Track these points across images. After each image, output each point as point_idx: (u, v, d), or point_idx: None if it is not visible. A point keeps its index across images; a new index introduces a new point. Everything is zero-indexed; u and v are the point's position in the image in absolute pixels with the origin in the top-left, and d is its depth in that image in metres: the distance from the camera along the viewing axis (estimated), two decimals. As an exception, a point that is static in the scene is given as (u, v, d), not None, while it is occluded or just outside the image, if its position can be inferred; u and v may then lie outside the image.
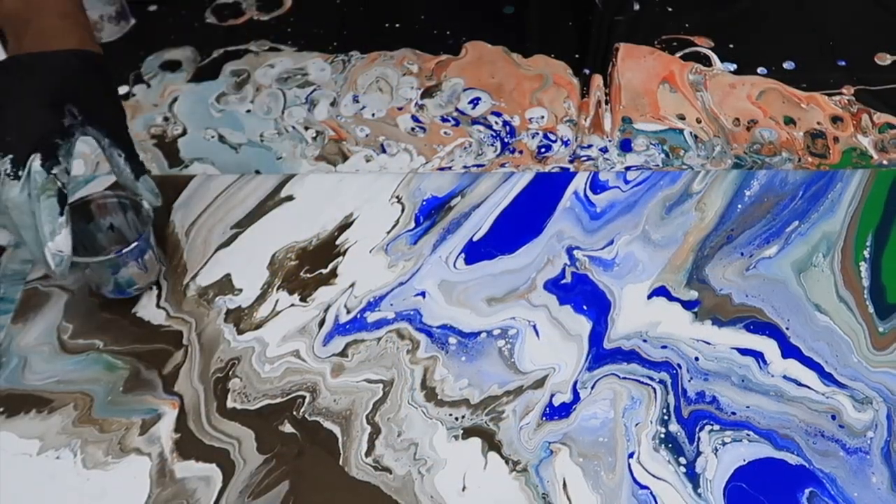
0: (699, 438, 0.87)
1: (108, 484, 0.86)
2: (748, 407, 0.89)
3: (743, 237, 1.02)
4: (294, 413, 0.90)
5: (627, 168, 1.09)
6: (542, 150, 1.12)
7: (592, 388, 0.91)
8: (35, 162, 0.83)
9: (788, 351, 0.93)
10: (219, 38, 1.29)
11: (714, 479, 0.85)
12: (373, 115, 1.17)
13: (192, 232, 1.04)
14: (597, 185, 1.07)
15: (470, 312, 0.97)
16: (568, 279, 0.99)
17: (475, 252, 1.02)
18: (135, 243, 0.93)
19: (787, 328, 0.95)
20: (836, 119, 1.14)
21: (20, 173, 0.82)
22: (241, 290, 0.99)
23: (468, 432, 0.89)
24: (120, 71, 1.25)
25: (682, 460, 0.86)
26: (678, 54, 1.23)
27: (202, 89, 1.23)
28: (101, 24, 1.27)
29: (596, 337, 0.95)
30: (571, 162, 1.10)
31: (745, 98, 1.17)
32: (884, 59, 1.21)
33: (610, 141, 1.13)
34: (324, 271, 1.01)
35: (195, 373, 0.93)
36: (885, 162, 1.09)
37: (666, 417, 0.89)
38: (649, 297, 0.98)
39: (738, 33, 1.25)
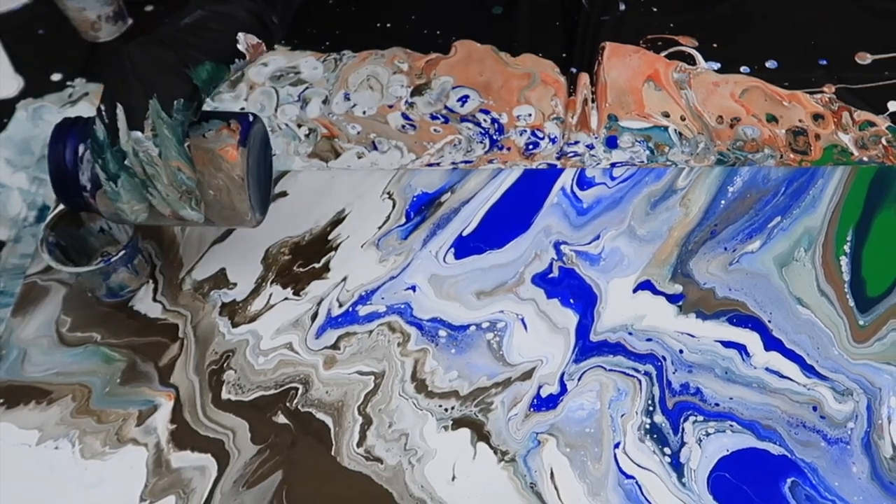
0: (683, 429, 0.89)
1: (105, 473, 0.87)
2: (731, 398, 0.91)
3: (726, 232, 1.03)
4: (287, 404, 0.91)
5: (613, 164, 1.10)
6: (530, 146, 1.13)
7: (579, 379, 0.92)
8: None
9: (771, 343, 0.94)
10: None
11: (698, 469, 0.86)
12: (364, 112, 1.18)
13: (187, 227, 1.06)
14: (583, 182, 1.08)
15: (459, 306, 0.98)
16: (555, 273, 1.00)
17: (464, 247, 1.03)
18: (123, 251, 0.94)
19: (769, 321, 0.96)
20: (817, 117, 1.15)
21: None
22: (235, 285, 1.01)
23: (457, 423, 0.90)
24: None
25: (667, 450, 0.88)
26: (663, 53, 1.23)
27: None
28: (99, 25, 1.27)
29: (582, 330, 0.96)
30: (558, 158, 1.11)
31: (729, 96, 1.18)
32: (864, 59, 1.22)
33: (596, 138, 1.13)
34: (316, 266, 1.02)
35: (190, 365, 0.94)
36: (865, 159, 1.10)
37: (651, 408, 0.90)
38: (635, 290, 0.99)
39: (721, 33, 1.25)
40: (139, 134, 0.77)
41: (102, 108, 0.79)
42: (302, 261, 1.02)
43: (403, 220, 1.05)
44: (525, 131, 1.15)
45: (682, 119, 1.15)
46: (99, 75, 1.24)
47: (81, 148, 0.83)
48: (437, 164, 1.11)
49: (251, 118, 0.86)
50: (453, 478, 0.87)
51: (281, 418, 0.91)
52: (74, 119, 0.86)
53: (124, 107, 0.77)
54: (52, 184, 0.85)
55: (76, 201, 0.85)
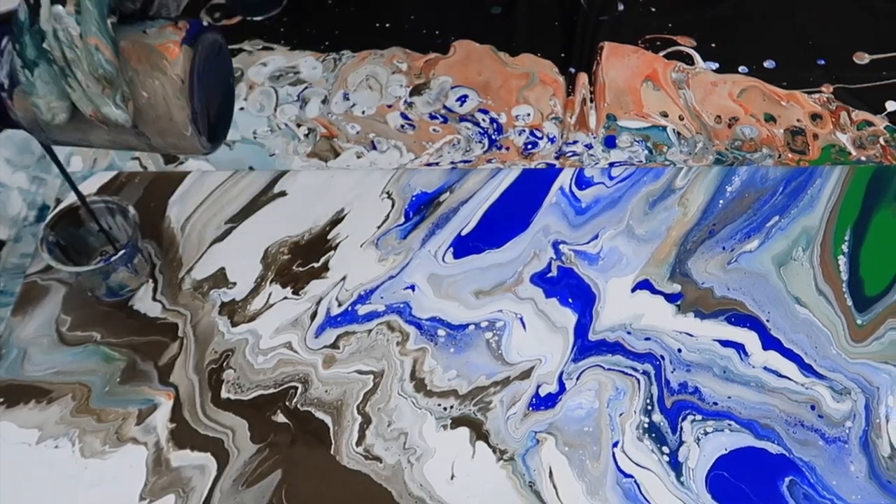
0: (682, 428, 0.89)
1: (105, 472, 0.88)
2: (729, 397, 0.91)
3: (724, 232, 1.03)
4: (286, 403, 0.92)
5: (612, 164, 1.11)
6: (529, 146, 1.13)
7: (578, 378, 0.93)
8: None
9: (769, 343, 0.95)
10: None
11: (696, 468, 0.87)
12: (363, 112, 1.18)
13: (187, 227, 1.06)
14: (582, 181, 1.08)
15: (458, 305, 0.98)
16: (554, 273, 1.01)
17: (463, 246, 1.03)
18: (123, 251, 0.94)
19: (767, 320, 0.96)
20: (815, 116, 1.15)
21: None
22: (234, 284, 1.01)
23: (456, 422, 0.90)
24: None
25: (665, 449, 0.88)
26: (661, 53, 1.24)
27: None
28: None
29: (581, 329, 0.96)
30: (557, 158, 1.12)
31: (727, 96, 1.18)
32: (862, 59, 1.22)
33: (595, 138, 1.14)
34: (316, 265, 1.02)
35: (190, 364, 0.94)
36: (862, 158, 1.10)
37: (649, 407, 0.90)
38: (633, 290, 0.99)
39: (720, 33, 1.26)
40: (60, 9, 0.68)
41: None
42: (301, 260, 1.03)
43: (402, 219, 1.06)
44: (524, 131, 1.15)
45: (681, 119, 1.15)
46: None
47: (4, 41, 0.72)
48: (436, 164, 1.11)
49: (206, 24, 0.76)
50: (452, 476, 0.87)
51: (280, 417, 0.91)
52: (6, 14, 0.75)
53: None
54: None
55: None
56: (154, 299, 1.00)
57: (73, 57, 0.69)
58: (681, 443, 0.88)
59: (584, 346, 0.95)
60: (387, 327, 0.97)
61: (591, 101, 1.18)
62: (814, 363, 0.93)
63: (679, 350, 0.94)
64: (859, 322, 0.96)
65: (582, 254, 1.02)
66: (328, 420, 0.90)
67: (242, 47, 1.26)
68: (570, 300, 0.98)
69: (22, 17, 0.69)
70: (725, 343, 0.95)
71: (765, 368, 0.93)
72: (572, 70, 1.22)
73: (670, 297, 0.98)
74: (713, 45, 1.25)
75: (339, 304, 0.99)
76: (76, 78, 0.70)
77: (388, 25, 1.29)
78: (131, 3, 0.74)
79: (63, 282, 1.01)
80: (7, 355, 0.95)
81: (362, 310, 0.98)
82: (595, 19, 1.29)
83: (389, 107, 1.19)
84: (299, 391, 0.92)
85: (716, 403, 0.90)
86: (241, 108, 1.18)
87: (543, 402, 0.91)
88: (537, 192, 1.08)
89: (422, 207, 1.07)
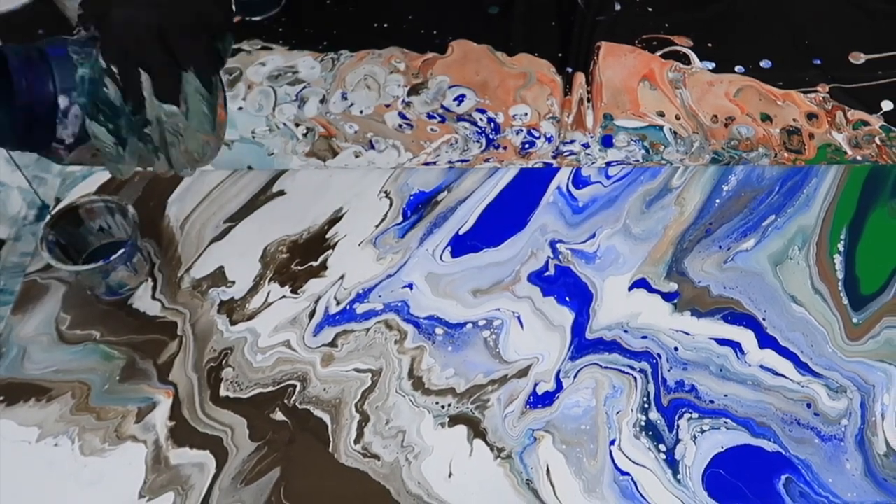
0: (678, 426, 0.89)
1: (104, 470, 0.88)
2: (726, 395, 0.91)
3: (721, 231, 1.03)
4: (285, 401, 0.92)
5: (609, 163, 1.11)
6: (526, 146, 1.13)
7: (575, 377, 0.93)
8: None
9: (765, 341, 0.95)
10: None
11: (693, 466, 0.87)
12: (361, 112, 1.18)
13: (186, 226, 1.06)
14: (579, 181, 1.09)
15: (456, 304, 0.99)
16: (551, 272, 1.01)
17: (461, 245, 1.03)
18: (122, 250, 0.94)
19: (763, 319, 0.96)
20: (811, 116, 1.15)
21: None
22: (233, 283, 1.01)
23: (454, 420, 0.91)
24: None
25: (662, 447, 0.88)
26: (658, 53, 1.24)
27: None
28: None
29: (578, 328, 0.97)
30: (554, 157, 1.12)
31: (723, 95, 1.18)
32: (857, 58, 1.23)
33: (592, 137, 1.14)
34: (314, 264, 1.02)
35: (189, 362, 0.95)
36: (858, 157, 1.11)
37: (646, 406, 0.91)
38: (630, 288, 0.99)
39: (716, 33, 1.26)
40: (175, 108, 0.76)
41: (115, 69, 0.73)
42: (300, 259, 1.03)
43: (400, 218, 1.06)
44: (521, 130, 1.15)
45: (677, 118, 1.15)
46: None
47: (63, 100, 0.74)
48: (434, 163, 1.11)
49: None
50: (450, 474, 0.87)
51: (279, 415, 0.91)
52: (40, 54, 0.74)
53: (150, 75, 0.74)
54: (14, 126, 0.74)
55: (35, 148, 0.77)
56: (153, 298, 1.00)
57: (172, 140, 0.78)
58: (677, 441, 0.89)
59: (582, 345, 0.95)
60: (385, 326, 0.97)
61: (588, 100, 1.18)
62: (810, 361, 0.93)
63: (676, 348, 0.94)
64: (855, 321, 0.96)
65: (579, 252, 1.02)
66: (326, 418, 0.91)
67: (241, 47, 1.26)
68: (567, 299, 0.99)
69: (116, 102, 0.75)
70: (722, 341, 0.95)
71: (761, 367, 0.93)
72: (569, 70, 1.22)
73: (667, 296, 0.99)
74: (709, 44, 1.25)
75: (338, 303, 0.99)
76: (168, 153, 0.79)
77: (386, 25, 1.29)
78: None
79: (63, 280, 1.01)
80: (7, 353, 0.96)
81: (360, 308, 0.99)
82: (592, 19, 1.29)
83: (387, 106, 1.19)
84: (298, 389, 0.93)
85: (712, 401, 0.91)
86: (240, 108, 1.18)
87: (541, 401, 0.92)
88: (535, 191, 1.08)
89: (420, 206, 1.07)
